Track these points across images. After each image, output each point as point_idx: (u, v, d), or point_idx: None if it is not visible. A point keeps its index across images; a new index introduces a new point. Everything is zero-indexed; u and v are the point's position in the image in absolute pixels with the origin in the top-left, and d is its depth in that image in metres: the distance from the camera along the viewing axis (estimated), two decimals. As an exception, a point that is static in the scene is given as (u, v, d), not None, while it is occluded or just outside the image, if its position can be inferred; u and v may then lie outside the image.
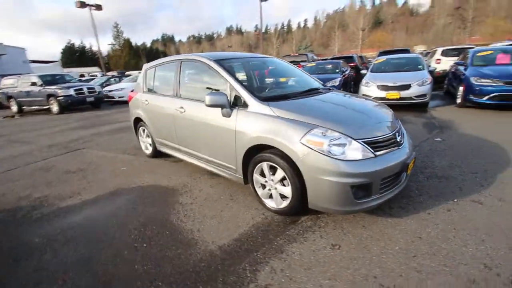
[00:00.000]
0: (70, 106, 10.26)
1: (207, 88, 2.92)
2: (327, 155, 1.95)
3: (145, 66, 4.08)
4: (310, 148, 2.00)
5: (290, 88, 3.05)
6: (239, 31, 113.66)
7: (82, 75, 23.52)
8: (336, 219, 2.30)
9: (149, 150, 4.22)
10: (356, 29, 59.43)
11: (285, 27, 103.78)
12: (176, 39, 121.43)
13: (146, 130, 4.08)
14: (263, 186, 2.50)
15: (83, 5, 18.88)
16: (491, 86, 5.60)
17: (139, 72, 4.68)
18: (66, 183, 3.50)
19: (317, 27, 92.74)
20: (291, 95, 2.69)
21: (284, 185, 2.29)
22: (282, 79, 3.44)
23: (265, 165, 2.36)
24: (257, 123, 2.34)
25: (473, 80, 5.88)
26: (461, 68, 6.85)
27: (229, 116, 2.55)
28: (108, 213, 2.67)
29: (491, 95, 5.59)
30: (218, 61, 2.84)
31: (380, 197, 2.09)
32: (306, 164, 2.02)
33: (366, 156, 1.99)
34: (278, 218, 2.38)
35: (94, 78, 18.03)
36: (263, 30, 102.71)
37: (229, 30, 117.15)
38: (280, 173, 2.25)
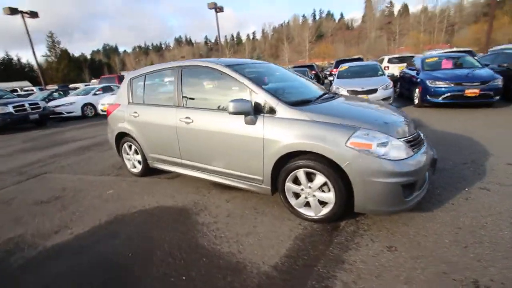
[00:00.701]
0: (8, 125, 8.69)
1: (220, 95, 2.72)
2: (376, 157, 1.94)
3: (130, 75, 3.65)
4: (357, 151, 1.96)
5: (304, 94, 3.00)
6: (189, 42, 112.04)
7: (14, 90, 20.26)
8: (375, 220, 2.29)
9: (137, 169, 3.75)
10: (302, 41, 63.56)
11: (235, 39, 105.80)
12: (120, 49, 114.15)
13: (133, 146, 3.62)
14: (297, 195, 2.38)
15: (14, 11, 16.33)
16: (444, 87, 6.42)
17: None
18: (43, 216, 2.87)
19: (265, 39, 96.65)
20: (312, 100, 2.64)
21: (323, 191, 2.21)
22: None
23: (301, 172, 2.24)
24: (291, 129, 2.23)
25: (428, 82, 6.67)
26: (413, 73, 7.74)
27: (254, 124, 2.38)
28: (118, 246, 2.24)
29: (445, 95, 6.41)
30: (232, 67, 2.67)
31: (420, 193, 2.15)
32: (354, 167, 1.97)
33: (409, 154, 2.03)
34: (317, 226, 2.28)
35: (33, 93, 15.72)
36: (214, 40, 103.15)
37: (178, 41, 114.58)
38: (320, 179, 2.17)
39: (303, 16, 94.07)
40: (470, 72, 6.46)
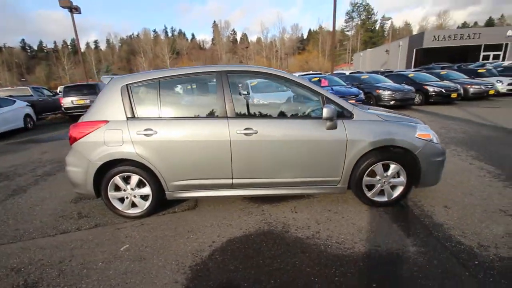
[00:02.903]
0: None
1: (288, 103, 2.62)
2: (434, 143, 2.65)
3: (120, 81, 2.64)
4: (424, 140, 2.60)
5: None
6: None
7: None
8: (425, 194, 3.01)
9: (139, 208, 2.75)
10: (162, 56, 61.68)
11: (69, 46, 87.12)
12: None
13: (135, 178, 2.65)
14: (370, 187, 2.72)
15: None
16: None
17: None
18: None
19: (112, 50, 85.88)
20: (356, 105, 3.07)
21: (394, 177, 2.69)
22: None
23: (379, 165, 2.63)
24: (371, 128, 2.57)
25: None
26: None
27: (336, 128, 2.54)
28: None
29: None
30: (289, 75, 2.67)
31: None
32: (423, 153, 2.59)
33: (438, 140, 2.88)
34: (391, 209, 2.72)
35: None
36: (36, 47, 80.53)
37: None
38: (394, 168, 2.64)
39: (154, 31, 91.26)
40: (347, 89, 9.00)
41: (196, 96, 2.82)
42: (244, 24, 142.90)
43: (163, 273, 1.98)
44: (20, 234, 2.61)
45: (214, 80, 2.65)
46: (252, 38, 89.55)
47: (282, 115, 2.62)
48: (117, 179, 2.66)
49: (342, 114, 2.60)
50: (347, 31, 67.58)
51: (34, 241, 2.49)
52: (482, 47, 24.61)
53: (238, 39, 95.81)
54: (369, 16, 64.60)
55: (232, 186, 2.69)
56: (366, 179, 2.67)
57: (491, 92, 10.35)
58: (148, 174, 2.64)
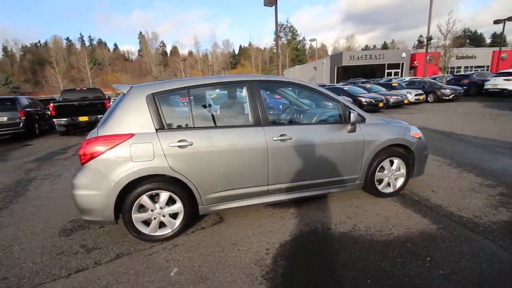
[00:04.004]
0: None
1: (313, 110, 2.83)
2: (422, 139, 3.25)
3: (144, 90, 2.39)
4: (417, 138, 3.17)
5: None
6: None
7: None
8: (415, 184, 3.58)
9: (169, 227, 2.50)
10: (79, 66, 54.49)
11: None
12: None
13: (164, 195, 2.41)
14: (380, 181, 3.13)
15: None
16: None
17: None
18: None
19: (12, 60, 71.61)
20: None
21: (397, 170, 3.18)
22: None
23: (387, 161, 3.07)
24: (381, 131, 3.00)
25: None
26: None
27: (355, 131, 2.87)
28: None
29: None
30: (312, 85, 2.92)
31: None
32: (417, 148, 3.16)
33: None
34: (397, 197, 3.18)
35: None
36: None
37: None
38: (397, 163, 3.12)
39: (68, 39, 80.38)
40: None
41: (227, 105, 2.76)
42: (174, 37, 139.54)
43: (239, 288, 1.88)
44: (16, 283, 2.04)
45: (244, 89, 2.68)
46: (184, 51, 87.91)
47: (311, 120, 2.82)
48: (144, 199, 2.37)
49: (358, 119, 2.97)
50: (275, 48, 73.56)
51: (44, 286, 1.99)
52: (386, 65, 30.25)
53: (168, 52, 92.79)
54: (294, 37, 71.67)
55: (267, 193, 2.71)
56: (377, 174, 3.07)
57: (405, 101, 12.84)
58: (180, 189, 2.45)
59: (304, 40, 78.34)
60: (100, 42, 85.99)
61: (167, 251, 2.36)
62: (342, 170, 2.92)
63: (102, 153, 2.23)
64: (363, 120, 2.99)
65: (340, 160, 2.88)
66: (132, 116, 2.35)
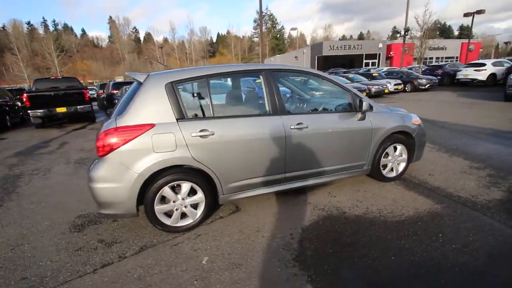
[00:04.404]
0: None
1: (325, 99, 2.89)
2: (421, 127, 3.45)
3: (162, 78, 2.31)
4: (417, 125, 3.36)
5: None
6: None
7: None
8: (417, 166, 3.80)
9: (191, 218, 2.49)
10: (44, 53, 50.36)
11: None
12: None
13: (185, 186, 2.39)
14: (384, 166, 3.31)
15: None
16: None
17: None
18: None
19: (-39, 45, 64.32)
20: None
21: (399, 156, 3.37)
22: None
23: (392, 148, 3.24)
24: (387, 119, 3.16)
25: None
26: None
27: (364, 119, 2.99)
28: (371, 264, 1.95)
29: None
30: (325, 75, 2.97)
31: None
32: (417, 134, 3.35)
33: (416, 124, 3.73)
34: (400, 181, 3.39)
35: None
36: None
37: None
38: (400, 149, 3.31)
39: (29, 23, 73.64)
40: None
41: (245, 94, 2.75)
42: (148, 22, 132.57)
43: (274, 272, 1.95)
44: (39, 282, 1.96)
45: (260, 77, 2.67)
46: (158, 38, 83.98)
47: (324, 109, 2.89)
48: (166, 190, 2.34)
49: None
50: (256, 37, 72.37)
51: (71, 284, 1.93)
52: (364, 56, 31.10)
53: (142, 38, 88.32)
54: (274, 25, 70.98)
55: (284, 180, 2.77)
56: (382, 159, 3.24)
57: (386, 91, 13.38)
58: (201, 180, 2.43)
59: (283, 29, 78.09)
60: (66, 27, 79.83)
61: (192, 241, 2.36)
62: (352, 156, 3.05)
63: (123, 144, 2.15)
64: (371, 108, 3.11)
65: (351, 147, 3.00)
66: (152, 106, 2.27)
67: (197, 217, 2.51)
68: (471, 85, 14.53)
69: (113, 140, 2.15)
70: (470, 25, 22.02)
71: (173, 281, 1.90)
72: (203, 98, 2.47)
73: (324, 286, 1.80)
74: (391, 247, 2.15)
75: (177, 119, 2.31)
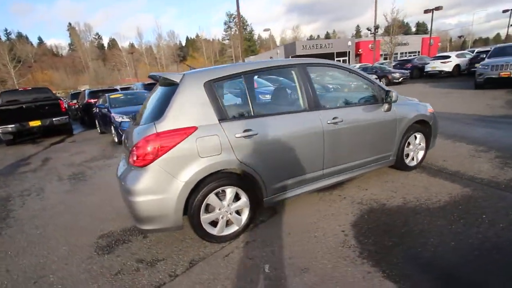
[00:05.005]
0: None
1: (354, 92, 2.88)
2: (435, 115, 3.58)
3: (199, 77, 2.14)
4: (431, 113, 3.48)
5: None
6: None
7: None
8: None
9: (236, 225, 2.34)
10: (2, 66, 45.97)
11: None
12: None
13: (230, 191, 2.23)
14: (407, 155, 3.38)
15: None
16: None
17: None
18: None
19: None
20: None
21: (419, 144, 3.46)
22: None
23: (413, 137, 3.32)
24: (408, 109, 3.22)
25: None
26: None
27: (390, 110, 3.02)
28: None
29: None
30: (352, 69, 2.96)
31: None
32: (433, 122, 3.47)
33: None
34: (419, 170, 3.48)
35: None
36: None
37: None
38: (419, 137, 3.40)
39: (-27, 32, 66.66)
40: None
41: (280, 90, 2.63)
42: (112, 28, 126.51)
43: (346, 272, 1.87)
44: None
45: (293, 72, 2.59)
46: (124, 44, 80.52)
47: (355, 102, 2.88)
48: (212, 197, 2.17)
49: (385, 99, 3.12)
50: (228, 39, 72.11)
51: None
52: (335, 54, 32.23)
53: (106, 45, 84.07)
54: (244, 27, 71.08)
55: (322, 177, 2.71)
56: (406, 149, 3.31)
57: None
58: (244, 183, 2.30)
59: (253, 30, 78.59)
60: (20, 36, 73.51)
61: (242, 249, 2.21)
62: (381, 148, 3.07)
63: (167, 150, 1.96)
64: (395, 100, 3.16)
65: (380, 139, 3.02)
66: (192, 107, 2.10)
67: (242, 223, 2.36)
68: (439, 76, 15.61)
69: (156, 146, 1.94)
70: (425, 21, 23.79)
71: (244, 294, 1.76)
72: (241, 96, 2.33)
73: (402, 279, 1.76)
74: (446, 233, 2.18)
75: (219, 120, 2.15)
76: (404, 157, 3.35)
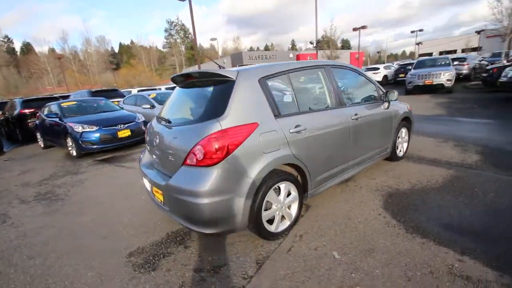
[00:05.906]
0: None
1: (362, 92, 3.23)
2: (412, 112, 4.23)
3: (253, 74, 2.12)
4: (410, 110, 4.10)
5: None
6: None
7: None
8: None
9: (288, 219, 2.37)
10: None
11: None
12: None
13: (285, 186, 2.26)
14: (397, 147, 3.89)
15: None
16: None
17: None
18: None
19: None
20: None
21: (405, 137, 4.02)
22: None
23: (402, 131, 3.86)
24: (398, 106, 3.74)
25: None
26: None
27: (389, 107, 3.47)
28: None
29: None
30: (362, 71, 3.32)
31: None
32: (412, 118, 4.09)
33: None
34: (408, 159, 4.04)
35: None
36: None
37: None
38: (404, 131, 3.98)
39: None
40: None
41: (313, 88, 2.74)
42: (27, 31, 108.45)
43: (407, 246, 2.09)
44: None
45: (319, 73, 2.78)
46: (43, 49, 70.12)
47: (364, 100, 3.22)
48: (272, 194, 2.17)
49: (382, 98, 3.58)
50: (169, 47, 69.28)
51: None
52: (279, 65, 34.25)
53: (18, 49, 71.83)
54: (187, 36, 69.56)
55: (347, 169, 2.94)
56: (397, 141, 3.82)
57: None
58: (295, 178, 2.36)
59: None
60: None
61: (301, 242, 2.25)
62: (384, 141, 3.50)
63: (236, 147, 1.90)
64: (389, 98, 3.64)
65: (383, 133, 3.44)
66: (251, 103, 2.09)
67: (293, 217, 2.40)
68: (372, 85, 18.08)
69: (224, 144, 1.86)
70: (348, 39, 27.45)
71: (330, 281, 1.80)
72: (287, 93, 2.40)
73: (451, 243, 2.06)
74: (458, 205, 2.62)
75: (274, 116, 2.18)
76: (396, 149, 3.86)
